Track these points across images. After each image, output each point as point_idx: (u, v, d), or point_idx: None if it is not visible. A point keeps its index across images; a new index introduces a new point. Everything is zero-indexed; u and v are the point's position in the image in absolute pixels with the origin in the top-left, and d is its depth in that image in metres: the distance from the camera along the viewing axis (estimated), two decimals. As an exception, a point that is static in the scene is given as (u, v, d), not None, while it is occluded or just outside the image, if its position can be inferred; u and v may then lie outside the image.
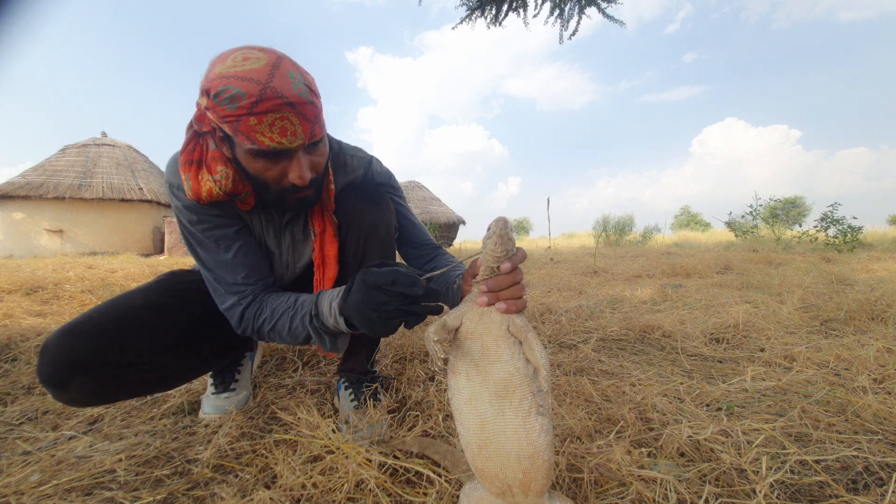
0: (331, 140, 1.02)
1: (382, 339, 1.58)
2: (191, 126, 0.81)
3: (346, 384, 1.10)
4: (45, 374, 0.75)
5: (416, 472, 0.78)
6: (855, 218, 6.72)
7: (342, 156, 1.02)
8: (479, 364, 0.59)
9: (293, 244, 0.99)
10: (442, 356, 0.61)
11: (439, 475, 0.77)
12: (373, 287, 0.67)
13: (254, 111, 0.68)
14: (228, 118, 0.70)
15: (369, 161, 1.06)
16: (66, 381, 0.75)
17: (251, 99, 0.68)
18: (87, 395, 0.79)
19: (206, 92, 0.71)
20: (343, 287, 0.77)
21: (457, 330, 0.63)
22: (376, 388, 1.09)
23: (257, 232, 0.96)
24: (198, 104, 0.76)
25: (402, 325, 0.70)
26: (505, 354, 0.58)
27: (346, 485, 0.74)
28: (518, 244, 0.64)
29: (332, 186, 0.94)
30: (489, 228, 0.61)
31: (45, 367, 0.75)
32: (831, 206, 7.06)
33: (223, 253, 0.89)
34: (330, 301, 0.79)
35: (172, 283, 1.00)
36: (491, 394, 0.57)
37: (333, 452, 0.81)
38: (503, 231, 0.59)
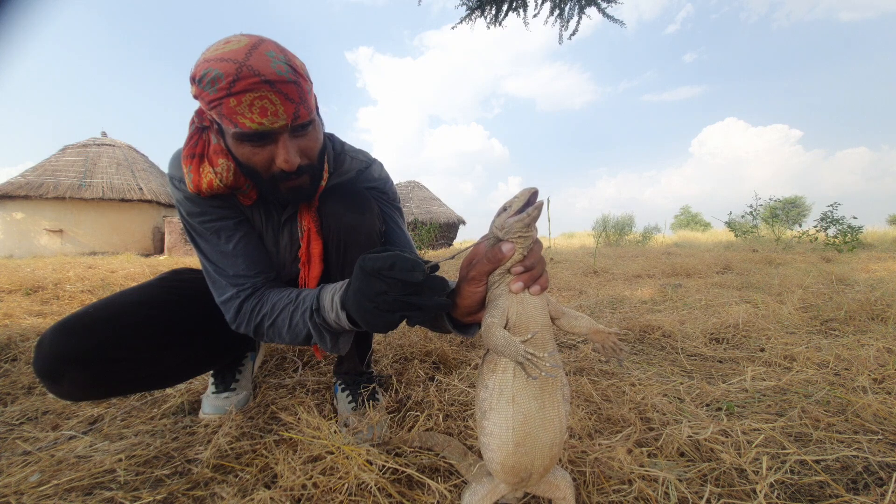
0: (335, 140, 1.02)
1: (382, 339, 1.58)
2: (192, 121, 0.82)
3: (343, 386, 1.10)
4: (39, 367, 0.76)
5: (418, 469, 0.78)
6: (855, 218, 6.73)
7: (342, 156, 1.01)
8: (541, 350, 0.56)
9: (291, 243, 0.99)
10: (543, 353, 0.54)
11: (439, 479, 0.77)
12: (370, 273, 0.62)
13: (232, 91, 0.67)
14: (213, 103, 0.69)
15: (368, 164, 1.04)
16: (59, 374, 0.76)
17: (228, 79, 0.66)
18: (81, 388, 0.80)
19: (192, 79, 0.71)
20: (347, 280, 0.74)
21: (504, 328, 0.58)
22: (373, 388, 1.09)
23: (257, 228, 0.96)
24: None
25: (405, 322, 0.65)
26: (550, 344, 0.57)
27: (346, 485, 0.74)
28: None
29: (323, 183, 0.92)
30: (509, 208, 0.56)
31: (39, 360, 0.76)
32: (831, 205, 7.06)
33: (224, 244, 0.88)
34: (332, 294, 0.75)
35: (172, 281, 1.00)
36: (536, 388, 0.56)
37: (334, 453, 0.81)
38: (539, 213, 0.55)
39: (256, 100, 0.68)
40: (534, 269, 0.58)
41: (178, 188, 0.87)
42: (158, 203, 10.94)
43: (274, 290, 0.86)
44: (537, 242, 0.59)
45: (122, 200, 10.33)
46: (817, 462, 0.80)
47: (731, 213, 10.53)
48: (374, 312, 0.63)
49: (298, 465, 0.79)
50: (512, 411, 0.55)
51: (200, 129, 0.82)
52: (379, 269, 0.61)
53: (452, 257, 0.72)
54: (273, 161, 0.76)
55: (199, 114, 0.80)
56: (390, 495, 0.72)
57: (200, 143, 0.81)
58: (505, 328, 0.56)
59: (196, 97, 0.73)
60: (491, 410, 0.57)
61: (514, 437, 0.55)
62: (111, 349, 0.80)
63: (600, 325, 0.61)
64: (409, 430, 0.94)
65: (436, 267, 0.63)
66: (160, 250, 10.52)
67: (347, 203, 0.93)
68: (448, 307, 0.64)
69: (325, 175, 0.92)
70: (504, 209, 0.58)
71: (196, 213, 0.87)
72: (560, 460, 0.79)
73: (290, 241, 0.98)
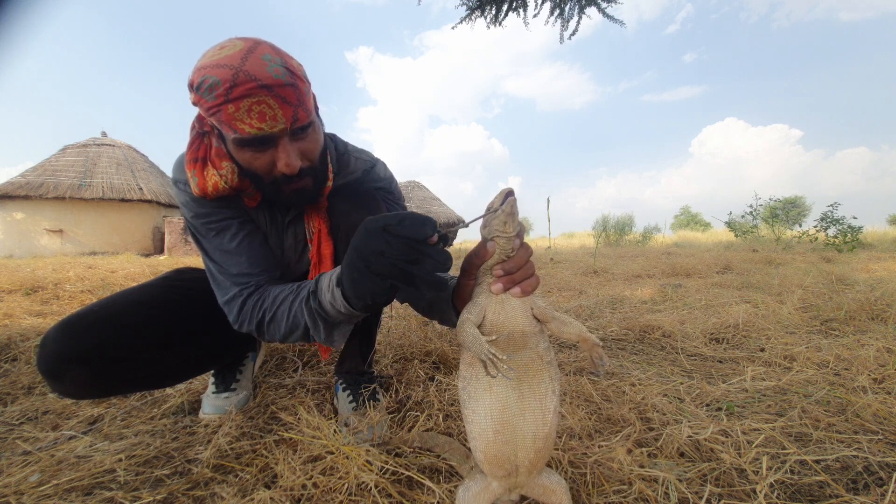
0: (337, 140, 1.02)
1: (382, 339, 1.58)
2: (193, 126, 0.82)
3: (344, 385, 1.10)
4: (42, 365, 0.77)
5: (419, 470, 0.78)
6: (855, 218, 6.73)
7: (346, 156, 1.01)
8: (505, 352, 0.57)
9: (295, 245, 0.99)
10: (503, 356, 0.55)
11: (440, 480, 0.77)
12: (373, 231, 0.57)
13: (230, 97, 0.67)
14: (212, 109, 0.69)
15: (373, 164, 1.04)
16: (61, 372, 0.77)
17: (226, 85, 0.66)
18: (83, 387, 0.81)
19: (190, 86, 0.71)
20: None
21: (479, 325, 0.59)
22: (374, 388, 1.09)
23: (262, 229, 0.96)
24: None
25: (395, 300, 0.61)
26: (530, 342, 0.58)
27: (346, 485, 0.74)
28: None
29: (330, 184, 0.91)
30: (491, 209, 0.57)
31: (42, 358, 0.77)
32: (831, 205, 7.06)
33: (227, 242, 0.88)
34: (331, 275, 0.71)
35: (175, 281, 1.01)
36: (513, 377, 0.57)
37: (334, 453, 0.81)
38: (514, 209, 0.56)
39: (254, 105, 0.68)
40: (514, 273, 0.58)
41: (184, 191, 0.88)
42: (158, 203, 10.94)
43: (276, 286, 0.84)
44: (524, 247, 0.59)
45: (122, 200, 10.33)
46: (817, 462, 0.80)
47: (731, 213, 10.55)
48: (363, 273, 0.58)
49: (298, 465, 0.79)
50: (490, 399, 0.57)
51: (201, 133, 0.82)
52: (385, 224, 0.56)
53: (466, 225, 0.67)
54: (274, 165, 0.76)
55: (200, 119, 0.80)
56: (390, 496, 0.72)
57: (203, 147, 0.81)
58: (481, 325, 0.58)
59: (195, 104, 0.72)
60: (470, 399, 0.58)
61: (493, 424, 0.56)
62: (112, 348, 0.80)
63: (589, 335, 0.61)
64: (409, 430, 0.94)
65: (445, 239, 0.59)
66: (160, 250, 10.52)
67: (355, 202, 0.93)
68: (443, 286, 0.59)
69: (331, 176, 0.91)
70: (488, 209, 0.59)
71: (202, 215, 0.87)
72: (560, 463, 0.79)
73: (295, 242, 0.99)
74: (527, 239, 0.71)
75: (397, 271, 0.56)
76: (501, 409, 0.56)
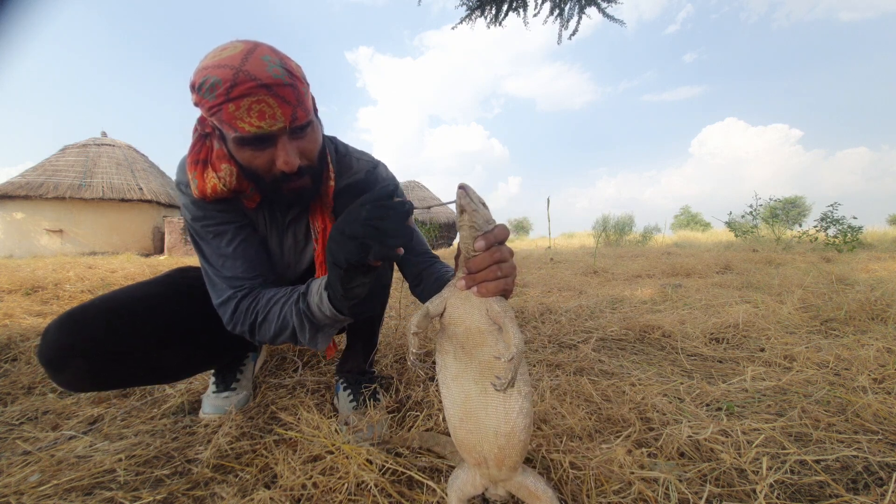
0: (337, 143, 1.03)
1: (383, 339, 1.58)
2: (196, 129, 0.84)
3: (345, 385, 1.10)
4: (43, 356, 0.78)
5: (419, 470, 0.78)
6: (855, 218, 6.73)
7: (347, 157, 1.02)
8: (465, 346, 0.60)
9: (295, 245, 0.99)
10: (415, 350, 0.59)
11: (441, 479, 0.77)
12: (351, 209, 0.64)
13: (230, 97, 0.68)
14: (213, 109, 0.70)
15: (375, 165, 1.05)
16: (62, 364, 0.78)
17: (226, 84, 0.67)
18: (83, 379, 0.82)
19: (191, 87, 0.72)
20: None
21: (441, 315, 0.62)
22: (375, 388, 1.09)
23: (261, 231, 0.96)
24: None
25: (368, 261, 0.63)
26: (489, 340, 0.59)
27: (346, 485, 0.74)
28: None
29: (332, 184, 0.92)
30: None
31: (44, 350, 0.78)
32: (831, 205, 7.06)
33: (225, 246, 0.89)
34: (322, 279, 0.76)
35: (178, 279, 1.02)
36: (476, 372, 0.59)
37: (334, 453, 0.81)
38: (464, 201, 0.56)
39: (254, 104, 0.69)
40: (477, 273, 0.59)
41: (185, 193, 0.89)
42: (158, 203, 10.95)
43: (271, 289, 0.86)
44: (492, 250, 0.59)
45: (122, 200, 10.34)
46: (817, 462, 0.80)
47: (731, 213, 10.52)
48: (339, 241, 0.64)
49: (298, 465, 0.79)
50: (456, 388, 0.60)
51: (203, 135, 0.83)
52: (361, 201, 0.63)
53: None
54: (274, 163, 0.77)
55: (202, 121, 0.81)
56: (390, 495, 0.72)
57: (204, 150, 0.82)
58: (442, 317, 0.62)
59: (196, 105, 0.74)
60: (442, 385, 0.62)
61: (458, 411, 0.60)
62: (112, 343, 0.81)
63: (513, 349, 0.56)
64: (409, 430, 0.94)
65: (410, 204, 0.65)
66: (160, 250, 10.52)
67: None
68: (409, 236, 0.63)
69: (332, 176, 0.92)
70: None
71: (200, 217, 0.89)
72: (561, 465, 0.79)
73: (295, 242, 0.99)
74: (527, 239, 0.72)
75: (367, 229, 0.61)
76: (464, 400, 0.59)
